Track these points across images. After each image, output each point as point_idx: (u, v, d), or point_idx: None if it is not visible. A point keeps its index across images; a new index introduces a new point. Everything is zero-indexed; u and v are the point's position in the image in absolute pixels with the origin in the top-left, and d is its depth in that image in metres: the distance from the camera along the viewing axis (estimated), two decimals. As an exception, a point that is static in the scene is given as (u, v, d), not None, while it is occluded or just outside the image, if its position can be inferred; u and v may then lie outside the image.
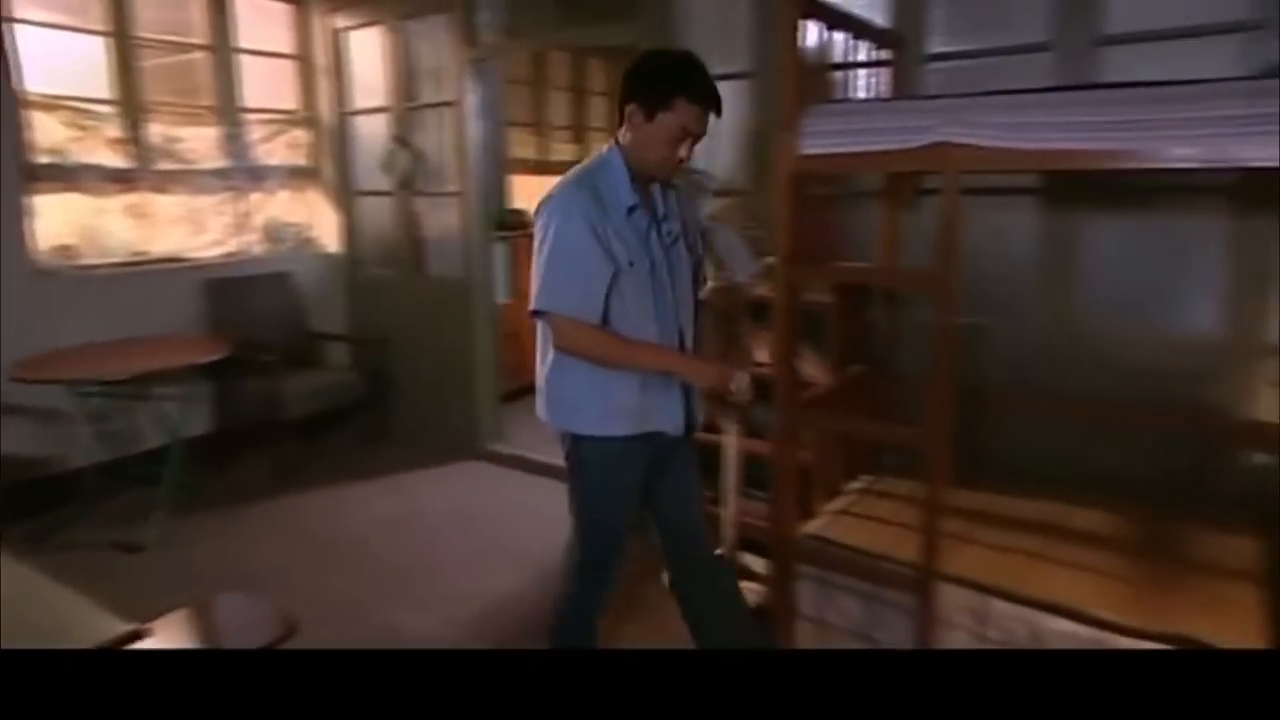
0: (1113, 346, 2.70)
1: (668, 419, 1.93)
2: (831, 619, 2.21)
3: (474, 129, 4.08)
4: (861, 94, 2.91)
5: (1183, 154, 1.73)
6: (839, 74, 2.87)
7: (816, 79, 2.66)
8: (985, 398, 2.78)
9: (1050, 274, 2.81)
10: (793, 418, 2.24)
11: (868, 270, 2.47)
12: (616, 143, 1.86)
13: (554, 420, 1.93)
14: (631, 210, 1.83)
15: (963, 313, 2.98)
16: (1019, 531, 2.27)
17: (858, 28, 2.71)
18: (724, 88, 3.34)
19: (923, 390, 2.71)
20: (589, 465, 1.92)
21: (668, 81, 1.77)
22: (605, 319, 1.81)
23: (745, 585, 2.64)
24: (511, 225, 5.25)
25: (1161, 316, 2.71)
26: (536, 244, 1.84)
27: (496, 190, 5.28)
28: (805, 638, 2.26)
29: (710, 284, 2.60)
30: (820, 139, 2.13)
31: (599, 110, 6.97)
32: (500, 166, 5.47)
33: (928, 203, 2.97)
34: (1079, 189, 2.75)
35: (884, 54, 2.92)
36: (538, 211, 1.85)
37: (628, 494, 1.97)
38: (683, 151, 1.81)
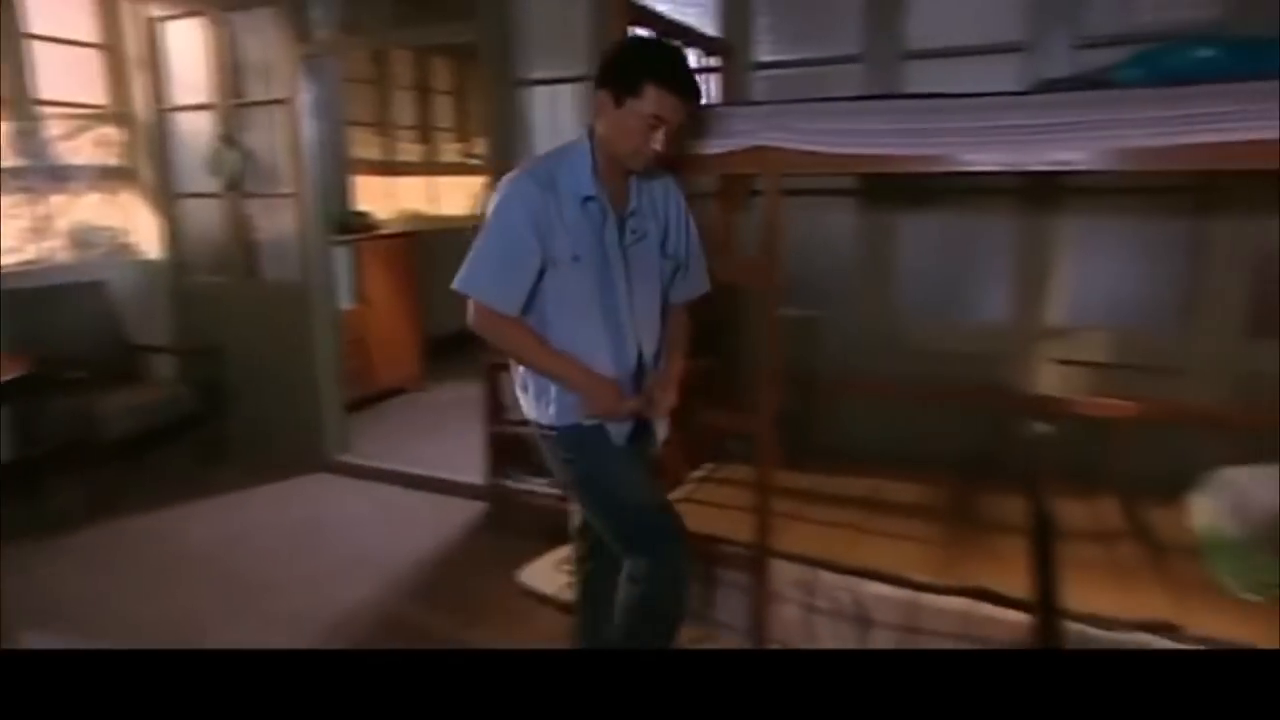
0: (923, 334, 2.97)
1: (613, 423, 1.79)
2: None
3: (309, 128, 3.91)
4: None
5: (979, 159, 1.93)
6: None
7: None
8: (817, 384, 2.98)
9: (870, 268, 3.04)
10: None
11: None
12: (590, 131, 1.74)
13: (529, 413, 1.83)
14: (587, 201, 1.71)
15: (797, 306, 3.20)
16: (844, 507, 2.45)
17: (687, 35, 2.83)
18: (564, 91, 3.49)
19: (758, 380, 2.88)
20: (571, 461, 1.80)
21: (638, 67, 1.66)
22: (542, 315, 1.72)
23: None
24: (356, 228, 5.07)
25: (962, 305, 3.00)
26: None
27: (338, 191, 5.09)
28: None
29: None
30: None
31: (445, 110, 6.85)
32: (342, 167, 5.27)
33: (759, 203, 3.15)
34: (893, 190, 2.99)
35: (714, 61, 3.07)
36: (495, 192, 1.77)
37: (629, 469, 1.81)
38: (656, 142, 1.68)
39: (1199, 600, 1.92)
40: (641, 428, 1.85)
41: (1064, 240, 2.79)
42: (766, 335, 2.13)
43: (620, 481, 1.80)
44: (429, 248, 5.50)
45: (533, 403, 1.81)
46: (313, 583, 2.97)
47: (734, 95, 3.08)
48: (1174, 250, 2.67)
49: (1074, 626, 1.84)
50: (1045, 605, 1.51)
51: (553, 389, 1.76)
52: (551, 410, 1.77)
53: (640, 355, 1.79)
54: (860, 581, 2.06)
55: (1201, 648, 1.80)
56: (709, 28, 3.16)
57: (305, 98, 3.87)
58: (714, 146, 2.12)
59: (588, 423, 1.76)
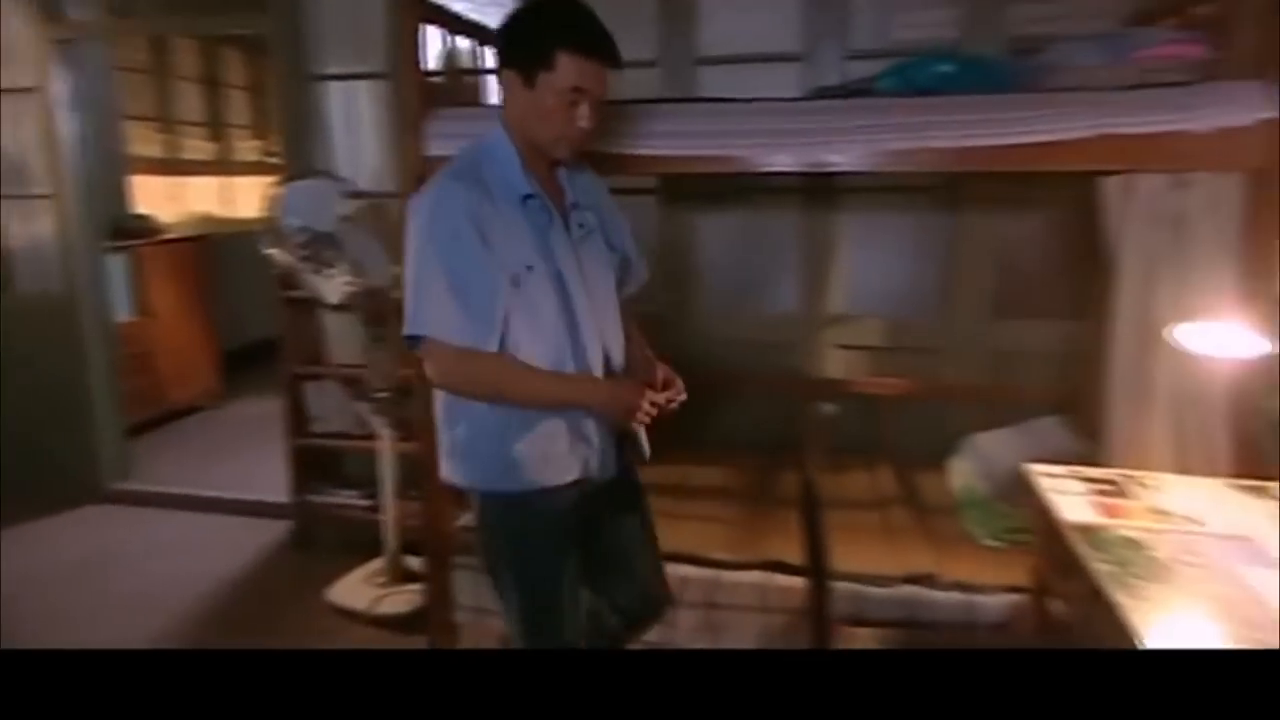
0: (723, 326, 3.14)
1: (593, 460, 1.51)
2: (490, 604, 2.29)
3: (68, 120, 3.52)
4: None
5: (761, 160, 2.04)
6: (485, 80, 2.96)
7: (456, 83, 2.71)
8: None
9: (671, 265, 3.17)
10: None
11: None
12: (503, 121, 1.49)
13: (451, 475, 1.52)
14: (527, 199, 1.45)
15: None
16: (656, 495, 2.53)
17: (484, 36, 2.82)
18: (360, 87, 3.36)
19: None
20: (499, 530, 1.52)
21: (544, 35, 1.40)
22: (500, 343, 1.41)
23: (407, 589, 2.64)
24: (134, 232, 4.61)
25: (757, 298, 3.20)
26: (407, 255, 1.44)
27: (112, 192, 4.60)
28: (466, 626, 2.31)
29: (348, 288, 2.55)
30: (446, 142, 2.18)
31: (241, 105, 6.38)
32: (116, 165, 4.77)
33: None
34: (689, 189, 3.13)
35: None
36: (409, 212, 1.46)
37: (559, 555, 1.52)
38: (582, 119, 1.43)
39: (954, 552, 2.17)
40: (616, 477, 1.58)
41: (842, 236, 3.04)
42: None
43: (547, 571, 1.51)
44: (223, 253, 5.11)
45: (465, 465, 1.50)
46: (91, 622, 2.68)
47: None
48: (933, 243, 2.98)
49: (849, 585, 2.02)
50: (816, 568, 1.65)
51: (501, 444, 1.45)
52: (499, 470, 1.46)
53: (609, 366, 1.53)
54: (669, 565, 2.14)
55: (959, 595, 2.03)
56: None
57: (60, 86, 3.48)
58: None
59: (538, 485, 1.46)
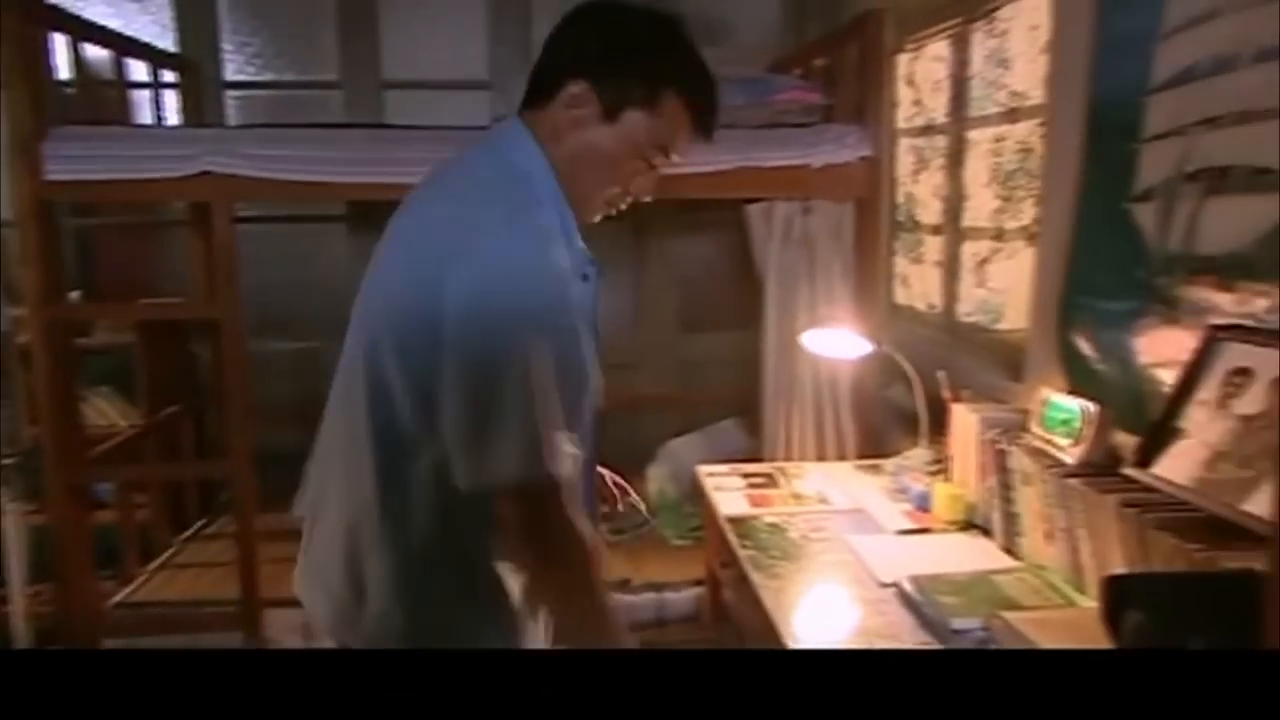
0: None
1: None
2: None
3: None
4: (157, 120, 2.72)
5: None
6: (130, 96, 2.64)
7: (90, 97, 2.39)
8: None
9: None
10: (72, 477, 1.99)
11: (137, 306, 2.30)
12: (537, 143, 1.00)
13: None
14: (587, 268, 1.02)
15: (295, 338, 3.08)
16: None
17: (126, 46, 2.53)
18: None
19: (262, 418, 2.70)
20: None
21: (659, 62, 1.00)
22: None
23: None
24: None
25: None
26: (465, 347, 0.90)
27: None
28: None
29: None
30: (67, 165, 1.93)
31: None
32: None
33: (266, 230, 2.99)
34: (380, 215, 3.04)
35: (170, 77, 2.80)
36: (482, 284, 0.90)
37: None
38: (647, 187, 1.06)
39: (648, 554, 2.31)
40: None
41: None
42: (231, 371, 1.99)
43: None
44: None
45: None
46: None
47: (201, 117, 2.85)
48: (625, 264, 3.17)
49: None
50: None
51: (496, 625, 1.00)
52: None
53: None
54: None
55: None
56: (167, 42, 2.88)
57: None
58: (148, 172, 1.93)
59: None
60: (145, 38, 2.72)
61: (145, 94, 2.70)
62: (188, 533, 2.43)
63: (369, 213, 3.02)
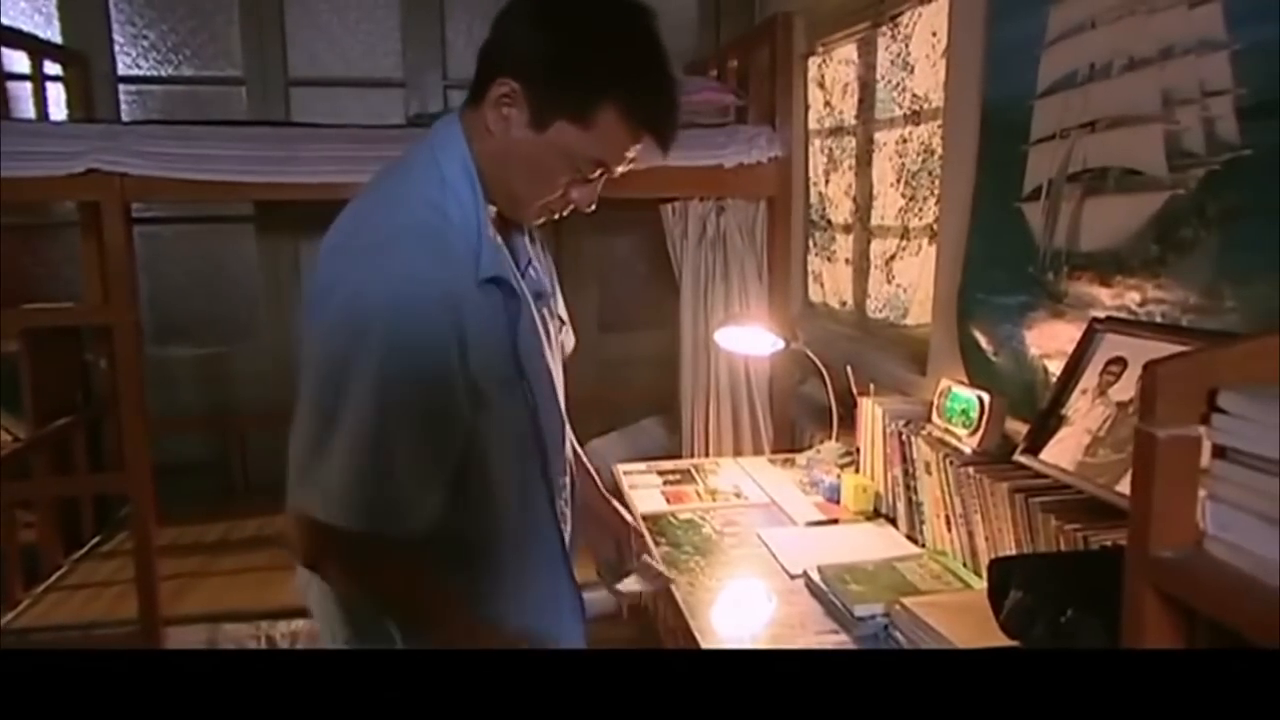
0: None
1: None
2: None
3: None
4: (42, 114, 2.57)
5: (341, 185, 1.96)
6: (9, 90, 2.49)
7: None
8: (234, 423, 2.80)
9: (272, 297, 2.96)
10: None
11: (20, 311, 2.14)
12: (466, 141, 0.93)
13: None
14: (496, 281, 0.92)
15: (201, 344, 2.96)
16: (258, 549, 2.33)
17: (3, 36, 2.39)
18: None
19: (163, 427, 2.58)
20: None
21: (596, 69, 0.88)
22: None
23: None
24: None
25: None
26: (313, 356, 0.89)
27: None
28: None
29: None
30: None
31: None
32: None
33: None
34: (290, 216, 2.95)
35: (56, 70, 2.65)
36: (321, 293, 0.89)
37: None
38: (585, 200, 0.96)
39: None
40: None
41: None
42: (126, 379, 1.90)
43: None
44: None
45: None
46: None
47: (90, 113, 2.70)
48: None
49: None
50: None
51: None
52: None
53: (567, 489, 1.09)
54: (271, 623, 1.98)
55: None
56: (52, 32, 2.73)
57: None
58: (29, 170, 1.82)
59: None
60: (28, 27, 2.57)
61: (27, 88, 2.55)
62: (81, 551, 2.30)
63: (278, 213, 2.93)
